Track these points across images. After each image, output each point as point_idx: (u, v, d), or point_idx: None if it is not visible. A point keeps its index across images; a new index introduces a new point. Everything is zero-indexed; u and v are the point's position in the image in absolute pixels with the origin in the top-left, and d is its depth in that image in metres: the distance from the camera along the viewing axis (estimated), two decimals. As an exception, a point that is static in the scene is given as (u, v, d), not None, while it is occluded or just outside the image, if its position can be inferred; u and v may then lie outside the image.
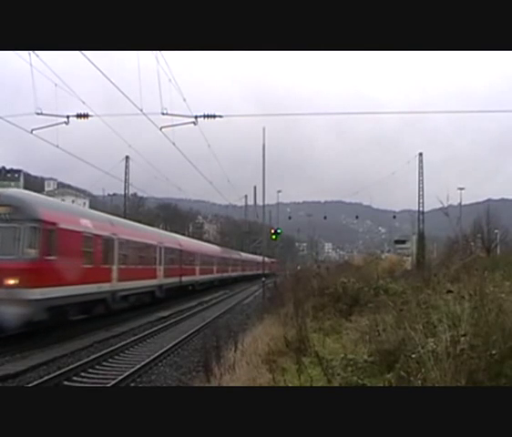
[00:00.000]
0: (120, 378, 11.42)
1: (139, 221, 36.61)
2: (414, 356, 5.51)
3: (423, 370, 5.16)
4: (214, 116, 21.54)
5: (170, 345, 15.71)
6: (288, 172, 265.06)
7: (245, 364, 8.71)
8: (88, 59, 15.37)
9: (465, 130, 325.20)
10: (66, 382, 11.42)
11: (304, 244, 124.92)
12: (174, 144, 22.78)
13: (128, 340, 16.59)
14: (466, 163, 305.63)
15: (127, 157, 51.48)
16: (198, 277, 40.29)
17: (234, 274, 60.77)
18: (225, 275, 53.85)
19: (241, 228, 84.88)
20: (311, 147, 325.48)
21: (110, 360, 14.02)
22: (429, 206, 55.37)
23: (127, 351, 15.32)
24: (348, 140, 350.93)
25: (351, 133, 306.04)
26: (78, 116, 21.12)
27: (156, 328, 19.86)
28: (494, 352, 5.08)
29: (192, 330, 18.76)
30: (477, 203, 64.07)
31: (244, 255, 72.49)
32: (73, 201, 67.01)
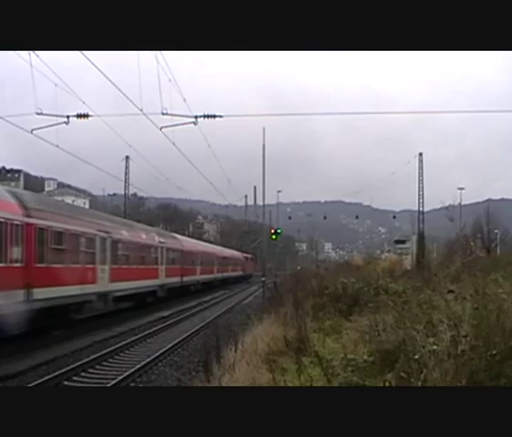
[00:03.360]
0: (120, 378, 11.42)
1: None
2: (414, 356, 5.50)
3: (423, 370, 5.15)
4: (214, 116, 21.56)
5: (170, 345, 15.71)
6: (292, 171, 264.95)
7: (245, 364, 8.70)
8: (88, 59, 15.39)
9: (475, 128, 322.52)
10: (66, 382, 11.42)
11: (304, 244, 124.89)
12: (174, 144, 22.82)
13: (128, 340, 16.59)
14: (476, 161, 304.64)
15: (127, 157, 51.52)
16: None
17: (150, 283, 27.62)
18: (128, 285, 23.91)
19: (241, 228, 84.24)
20: (317, 146, 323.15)
21: (110, 360, 14.03)
22: (430, 206, 55.43)
23: (127, 351, 15.32)
24: (356, 139, 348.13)
25: (358, 131, 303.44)
26: (78, 116, 21.15)
27: (156, 328, 19.87)
28: (494, 353, 5.08)
29: (192, 330, 18.77)
30: (477, 203, 64.10)
31: (188, 242, 39.26)
32: (73, 201, 67.00)
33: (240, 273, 65.58)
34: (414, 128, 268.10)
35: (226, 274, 53.84)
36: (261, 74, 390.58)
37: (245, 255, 71.39)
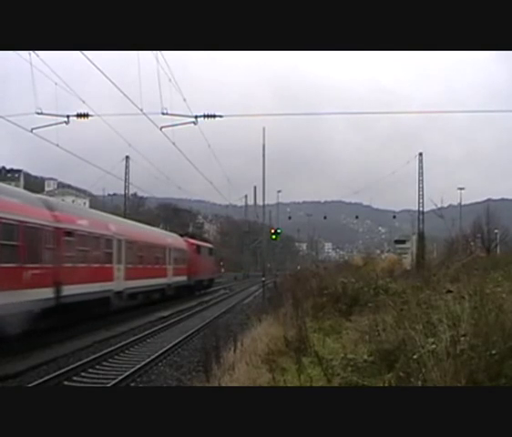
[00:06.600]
0: (120, 378, 11.43)
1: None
2: (414, 356, 5.50)
3: (423, 370, 5.16)
4: (214, 116, 21.58)
5: (170, 345, 15.72)
6: (295, 169, 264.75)
7: (245, 364, 8.71)
8: (88, 59, 15.41)
9: (485, 127, 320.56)
10: (66, 382, 11.42)
11: (304, 244, 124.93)
12: (174, 144, 22.83)
13: (128, 340, 16.60)
14: (483, 160, 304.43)
15: (127, 157, 51.49)
16: None
17: None
18: None
19: (241, 228, 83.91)
20: (323, 145, 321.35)
21: (110, 360, 14.03)
22: (431, 205, 55.23)
23: (127, 351, 15.33)
24: (363, 137, 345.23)
25: (367, 130, 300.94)
26: (78, 115, 21.18)
27: (156, 328, 19.87)
28: (494, 352, 5.08)
29: (192, 330, 18.78)
30: (477, 203, 64.16)
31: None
32: (73, 201, 67.02)
33: (179, 279, 32.61)
34: (423, 127, 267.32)
35: (107, 285, 21.25)
36: (267, 71, 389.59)
37: (193, 241, 38.92)
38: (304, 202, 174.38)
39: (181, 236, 38.15)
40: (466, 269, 9.34)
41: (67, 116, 20.75)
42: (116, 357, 14.42)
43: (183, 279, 33.89)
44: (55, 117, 20.73)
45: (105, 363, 13.59)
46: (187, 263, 34.78)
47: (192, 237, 41.75)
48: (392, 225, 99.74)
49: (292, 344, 9.62)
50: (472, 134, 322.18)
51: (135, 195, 71.32)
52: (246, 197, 70.55)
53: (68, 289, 17.16)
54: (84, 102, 20.79)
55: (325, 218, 76.91)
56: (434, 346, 5.38)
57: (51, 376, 11.34)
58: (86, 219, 20.27)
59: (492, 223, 43.49)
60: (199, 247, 39.31)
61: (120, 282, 22.65)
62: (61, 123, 20.77)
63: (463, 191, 55.01)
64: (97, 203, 74.06)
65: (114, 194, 77.50)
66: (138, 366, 12.70)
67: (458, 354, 5.11)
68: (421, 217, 54.23)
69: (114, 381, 11.07)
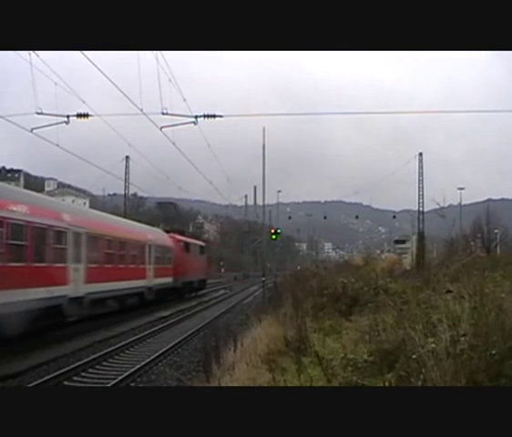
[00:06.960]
0: (120, 378, 11.42)
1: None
2: (414, 356, 5.51)
3: (423, 370, 5.16)
4: (214, 116, 21.59)
5: (170, 345, 15.72)
6: (298, 168, 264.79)
7: (245, 364, 8.71)
8: (88, 59, 15.41)
9: (487, 126, 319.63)
10: (66, 382, 11.42)
11: (304, 244, 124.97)
12: (174, 144, 22.84)
13: (128, 340, 16.60)
14: (485, 160, 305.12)
15: (127, 157, 51.49)
16: None
17: None
18: None
19: (241, 228, 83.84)
20: (325, 144, 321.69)
21: (110, 360, 14.03)
22: (431, 205, 55.17)
23: (127, 351, 15.32)
24: (365, 136, 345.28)
25: (369, 129, 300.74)
26: (78, 115, 21.20)
27: (156, 328, 19.86)
28: (494, 352, 5.08)
29: (192, 330, 18.77)
30: (477, 203, 64.15)
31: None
32: (73, 201, 67.00)
33: (163, 281, 29.03)
34: (423, 126, 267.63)
35: (59, 289, 17.01)
36: (267, 70, 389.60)
37: (180, 237, 34.73)
38: (304, 202, 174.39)
39: (167, 232, 33.91)
40: (466, 269, 9.34)
41: (67, 116, 20.77)
42: (116, 357, 14.42)
43: (168, 280, 29.84)
44: (55, 117, 20.77)
45: (105, 363, 13.59)
46: (173, 262, 30.72)
47: (181, 233, 37.43)
48: (392, 225, 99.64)
49: (292, 344, 9.63)
50: (472, 133, 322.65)
51: (135, 195, 71.37)
52: (246, 197, 70.65)
53: None
54: (84, 102, 20.83)
55: (325, 218, 76.94)
56: (434, 346, 5.38)
57: (51, 376, 11.34)
58: (24, 205, 15.30)
59: (492, 223, 43.47)
60: (187, 244, 34.88)
61: (79, 286, 18.17)
62: (61, 123, 20.80)
63: (463, 191, 55.00)
64: (97, 203, 74.03)
65: (114, 194, 77.57)
66: (138, 366, 12.70)
67: (458, 354, 5.12)
68: (421, 217, 54.26)
69: (114, 381, 11.07)
